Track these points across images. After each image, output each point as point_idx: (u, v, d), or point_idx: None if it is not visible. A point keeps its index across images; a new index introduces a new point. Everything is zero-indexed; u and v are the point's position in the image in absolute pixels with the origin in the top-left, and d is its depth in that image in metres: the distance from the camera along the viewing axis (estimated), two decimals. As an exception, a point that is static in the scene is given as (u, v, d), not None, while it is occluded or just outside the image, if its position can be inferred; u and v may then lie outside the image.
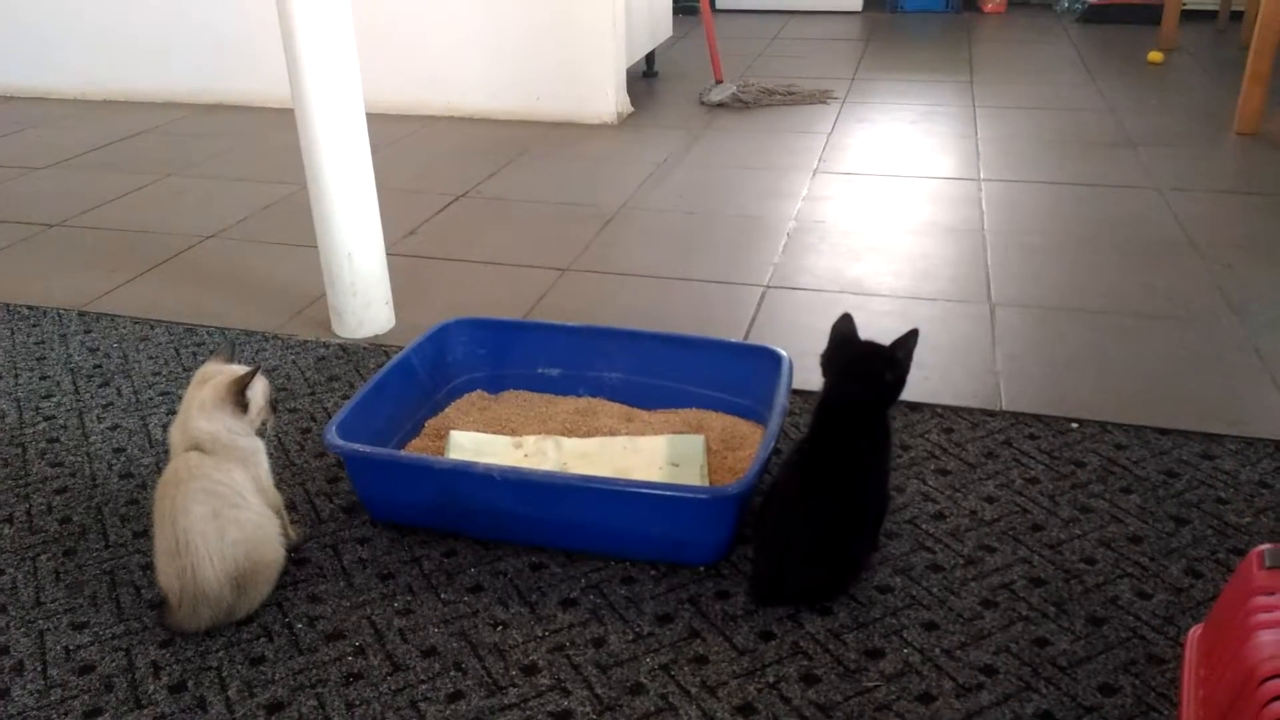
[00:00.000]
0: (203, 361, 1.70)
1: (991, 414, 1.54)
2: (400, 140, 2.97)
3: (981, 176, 2.58)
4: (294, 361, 1.74)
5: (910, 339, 1.18)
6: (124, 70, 3.45)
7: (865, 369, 1.18)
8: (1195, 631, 1.01)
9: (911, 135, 2.94)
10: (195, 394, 1.15)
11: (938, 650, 1.10)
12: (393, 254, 1.88)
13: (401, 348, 1.56)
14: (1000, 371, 1.66)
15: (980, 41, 4.20)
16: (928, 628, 1.13)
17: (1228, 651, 0.85)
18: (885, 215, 2.35)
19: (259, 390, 1.19)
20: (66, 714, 1.04)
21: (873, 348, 1.19)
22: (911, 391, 1.58)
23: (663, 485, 1.26)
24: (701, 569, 1.23)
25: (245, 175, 2.71)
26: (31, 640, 1.14)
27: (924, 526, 1.30)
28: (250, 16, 3.21)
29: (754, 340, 1.77)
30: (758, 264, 2.10)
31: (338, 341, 1.81)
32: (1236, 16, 4.18)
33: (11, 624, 1.16)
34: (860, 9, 4.86)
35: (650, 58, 3.66)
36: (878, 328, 1.80)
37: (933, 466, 1.42)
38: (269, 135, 3.06)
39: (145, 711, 1.04)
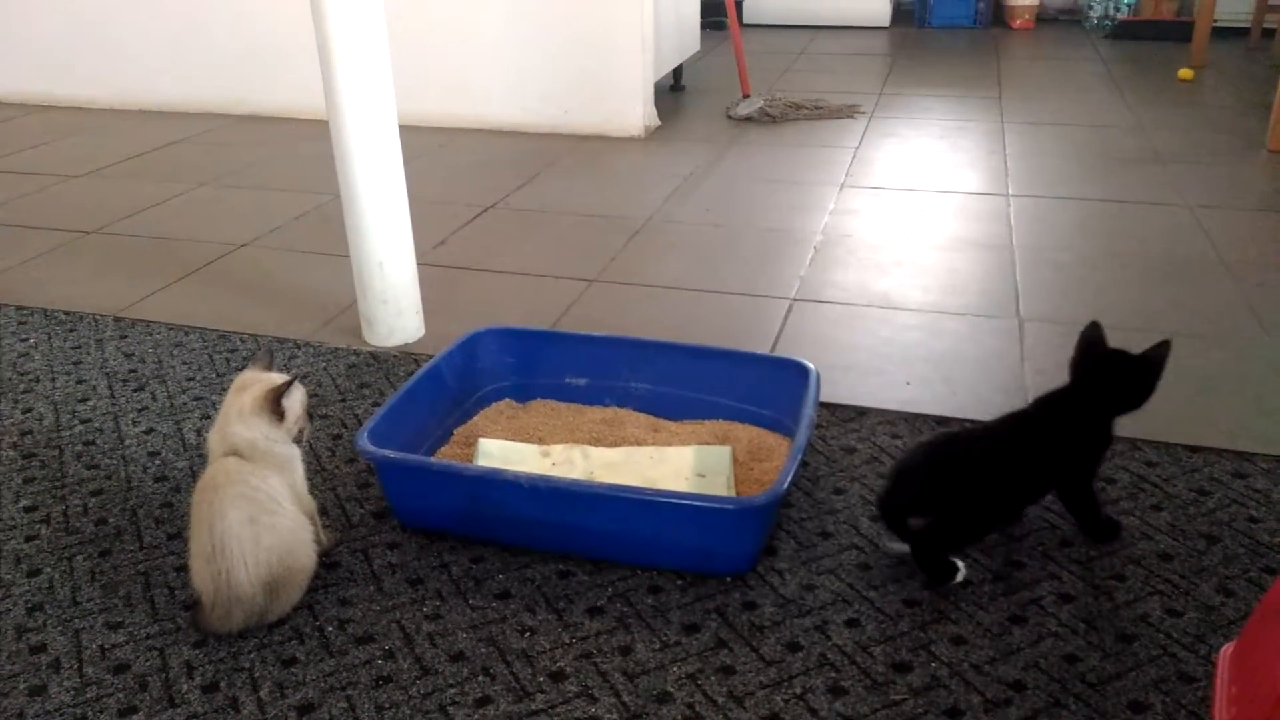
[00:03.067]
0: (237, 367, 1.74)
1: (1020, 429, 1.53)
2: (430, 152, 3.00)
3: (1010, 192, 2.58)
4: (325, 368, 1.76)
5: (1164, 349, 1.18)
6: (159, 81, 3.51)
7: (1135, 378, 1.19)
8: (1227, 649, 1.00)
9: (939, 150, 2.94)
10: (234, 401, 1.17)
11: (966, 665, 1.09)
12: (423, 264, 1.90)
13: (431, 356, 1.58)
14: (1029, 387, 1.65)
15: (1008, 57, 4.19)
16: (956, 642, 1.13)
17: (1260, 670, 0.84)
18: (912, 230, 2.35)
19: (296, 399, 1.21)
20: (102, 711, 1.06)
21: (1142, 358, 1.19)
22: (939, 406, 1.60)
23: (690, 495, 1.27)
24: (728, 579, 1.23)
25: (278, 185, 2.75)
26: (68, 639, 1.16)
27: (951, 541, 1.29)
28: (284, 29, 3.26)
29: (781, 353, 1.77)
30: (784, 277, 2.10)
31: (368, 349, 1.83)
32: (1269, 34, 4.15)
33: (49, 623, 1.18)
34: (888, 24, 4.87)
35: (678, 72, 3.68)
36: (904, 341, 1.81)
37: (960, 481, 1.41)
38: (301, 145, 3.10)
39: (179, 710, 1.06)
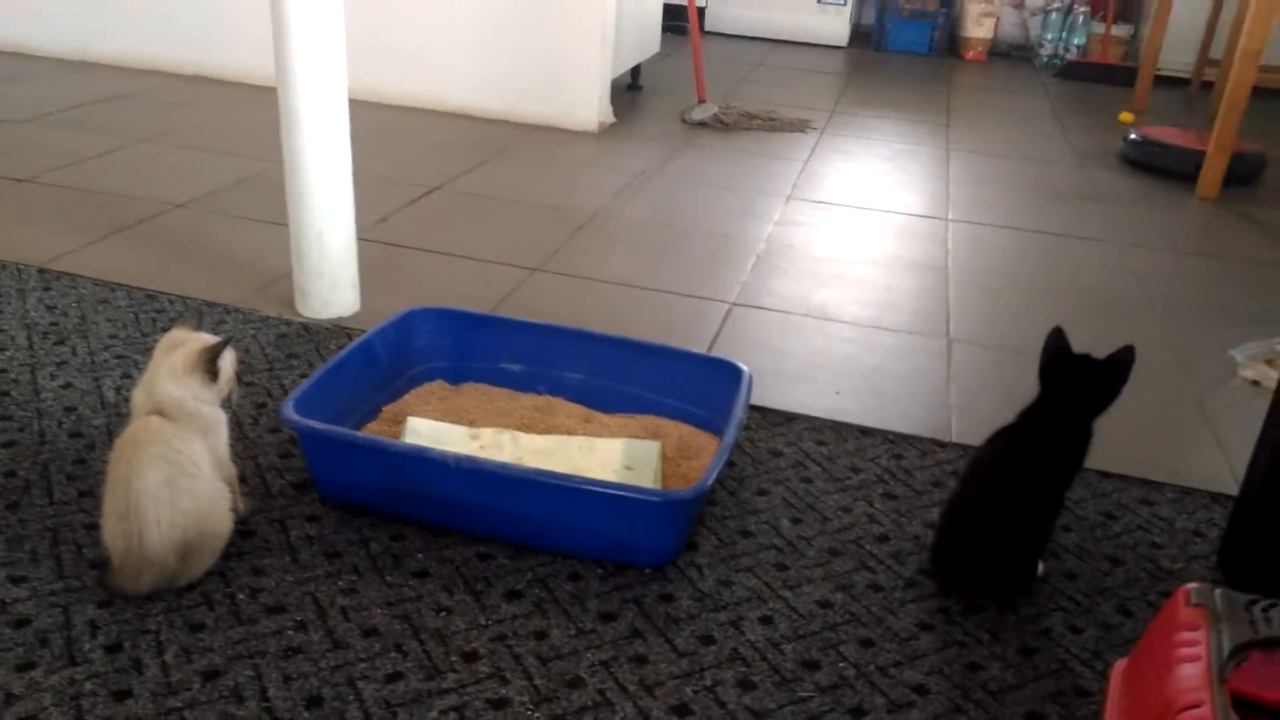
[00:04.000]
0: (163, 328, 1.70)
1: (942, 444, 1.57)
2: (380, 128, 2.97)
3: (950, 216, 2.64)
4: (254, 336, 1.73)
5: (1129, 353, 1.20)
6: (111, 33, 3.41)
7: (1102, 381, 1.20)
8: (1119, 665, 1.04)
9: (885, 171, 3.00)
10: (164, 359, 1.15)
11: (872, 667, 1.12)
12: (363, 239, 1.88)
13: (364, 331, 1.56)
14: (953, 405, 1.70)
15: (959, 86, 4.29)
16: (864, 644, 1.15)
17: (1149, 683, 0.88)
18: (854, 245, 2.39)
19: (228, 361, 1.19)
20: (-3, 666, 1.03)
21: (1109, 361, 1.21)
22: (866, 417, 1.63)
23: (615, 485, 1.28)
24: (648, 571, 1.24)
25: (221, 148, 2.69)
26: (-35, 591, 1.12)
27: (868, 547, 1.32)
28: (239, -9, 3.19)
29: (716, 354, 1.79)
30: (725, 281, 2.12)
31: (300, 320, 1.80)
32: (1207, 86, 4.31)
33: (-55, 573, 1.14)
34: (845, 44, 4.94)
35: (636, 71, 3.69)
36: (837, 352, 1.85)
37: (880, 490, 1.44)
38: (248, 110, 3.03)
39: (79, 669, 1.03)
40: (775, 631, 1.16)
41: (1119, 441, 1.61)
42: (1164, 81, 4.38)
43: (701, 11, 4.85)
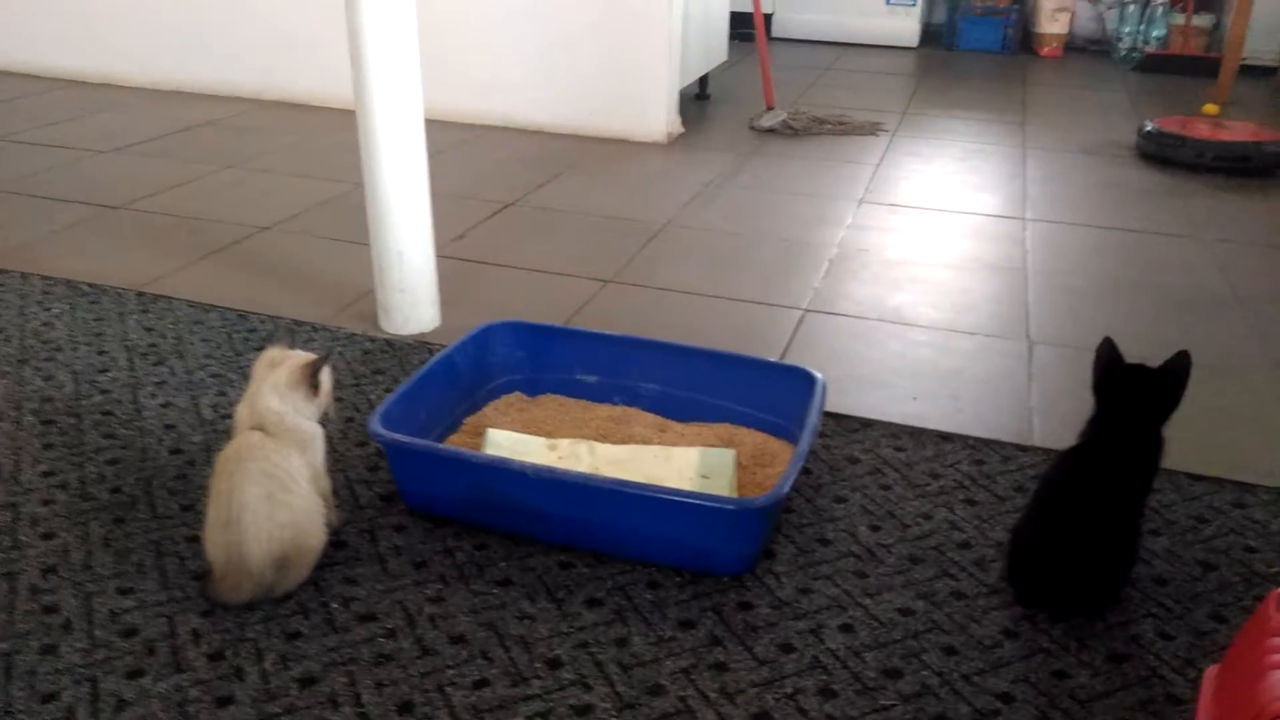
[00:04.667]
0: (254, 347, 1.77)
1: (1024, 448, 1.55)
2: (454, 147, 3.03)
3: (1027, 216, 2.59)
4: (341, 353, 1.79)
5: (1185, 359, 1.18)
6: (189, 62, 3.55)
7: (1159, 390, 1.18)
8: (1211, 671, 1.01)
9: (959, 172, 2.96)
10: (266, 375, 1.20)
11: (956, 675, 1.11)
12: (441, 256, 1.93)
13: (445, 346, 1.60)
14: (1035, 407, 1.67)
15: (1035, 84, 4.21)
16: (947, 652, 1.14)
17: (1240, 690, 0.86)
18: (928, 248, 2.37)
19: (327, 376, 1.24)
20: (110, 673, 1.08)
21: (1164, 370, 1.18)
22: (944, 422, 1.61)
23: (692, 494, 1.29)
24: (726, 579, 1.25)
25: (302, 171, 2.78)
26: (80, 601, 1.18)
27: (949, 554, 1.31)
28: (314, 17, 3.29)
29: (790, 361, 1.79)
30: (798, 287, 2.12)
31: (384, 336, 1.85)
32: (1295, 73, 4.15)
33: (62, 585, 1.21)
34: (916, 45, 4.88)
35: (704, 80, 3.70)
36: (913, 357, 1.83)
37: (961, 496, 1.43)
38: (327, 134, 3.13)
39: (185, 676, 1.08)
40: (856, 639, 1.16)
41: (1209, 443, 1.56)
42: (1250, 71, 4.23)
43: (768, 18, 4.84)
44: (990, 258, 2.32)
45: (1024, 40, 4.91)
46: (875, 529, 1.35)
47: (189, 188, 2.62)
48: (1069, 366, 1.82)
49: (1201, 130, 3.06)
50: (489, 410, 1.60)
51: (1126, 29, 4.72)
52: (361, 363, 1.75)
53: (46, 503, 1.36)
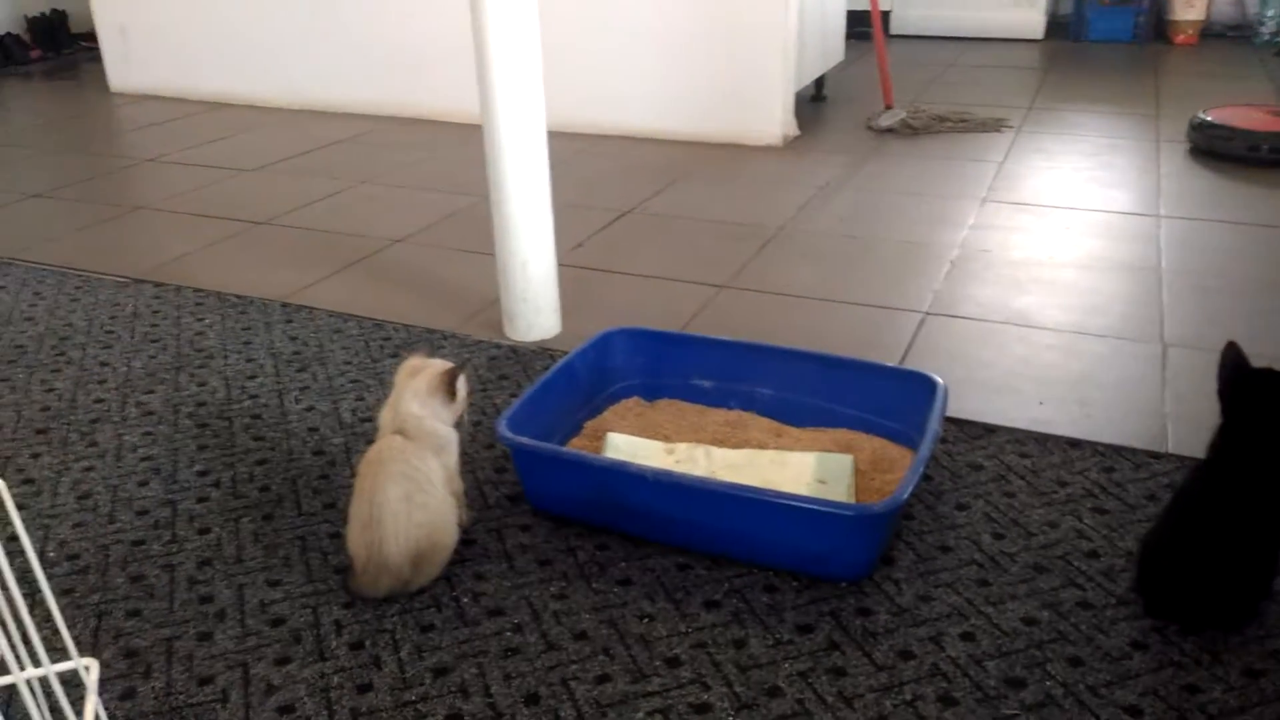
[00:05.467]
0: (390, 355, 1.86)
1: (1157, 456, 1.50)
2: (572, 157, 3.11)
3: (1161, 213, 2.49)
4: (468, 359, 1.86)
5: None
6: (326, 84, 3.74)
7: None
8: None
9: (1088, 168, 2.86)
10: (408, 382, 1.28)
11: (1082, 686, 1.09)
12: (561, 264, 1.99)
13: (566, 352, 1.65)
14: (1169, 413, 1.61)
15: (1169, 74, 4.02)
16: (1073, 663, 1.12)
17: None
18: (1055, 248, 2.30)
19: (463, 384, 1.31)
20: (260, 660, 1.17)
21: None
22: (1072, 428, 1.57)
23: (810, 499, 1.30)
24: (844, 585, 1.26)
25: (430, 185, 2.90)
26: (232, 592, 1.28)
27: (1076, 563, 1.28)
28: (439, 39, 3.43)
29: (911, 366, 1.77)
30: (918, 290, 2.10)
31: (508, 343, 1.92)
32: None
33: (216, 576, 1.31)
34: (1041, 37, 4.73)
35: (820, 81, 3.68)
36: (1040, 361, 1.79)
37: (1090, 505, 1.39)
38: (452, 149, 3.25)
39: (328, 664, 1.16)
40: (977, 648, 1.15)
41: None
42: None
43: (885, 15, 4.77)
44: (1122, 257, 2.24)
45: (1157, 28, 4.69)
46: (999, 537, 1.33)
47: (327, 203, 2.77)
48: (1205, 371, 1.73)
49: (1255, 121, 2.86)
50: (608, 414, 1.64)
51: (1270, 12, 4.46)
52: (487, 369, 1.83)
53: (202, 500, 1.47)
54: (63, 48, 5.07)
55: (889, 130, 3.29)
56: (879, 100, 3.44)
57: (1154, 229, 2.39)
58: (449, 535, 1.26)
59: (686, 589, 1.26)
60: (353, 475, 1.48)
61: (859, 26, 4.15)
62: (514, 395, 1.72)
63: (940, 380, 1.45)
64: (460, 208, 2.68)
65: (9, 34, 4.90)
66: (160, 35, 3.97)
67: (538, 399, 1.50)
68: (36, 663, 0.74)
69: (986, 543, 1.32)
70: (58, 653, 1.08)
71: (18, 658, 0.74)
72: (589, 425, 1.61)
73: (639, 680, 1.12)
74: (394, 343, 1.93)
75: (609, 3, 3.22)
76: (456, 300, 2.12)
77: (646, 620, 1.21)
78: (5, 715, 1.06)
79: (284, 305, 2.10)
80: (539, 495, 1.42)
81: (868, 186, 2.78)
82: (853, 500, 1.38)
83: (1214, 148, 2.88)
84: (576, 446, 1.55)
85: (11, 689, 1.03)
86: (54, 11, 5.06)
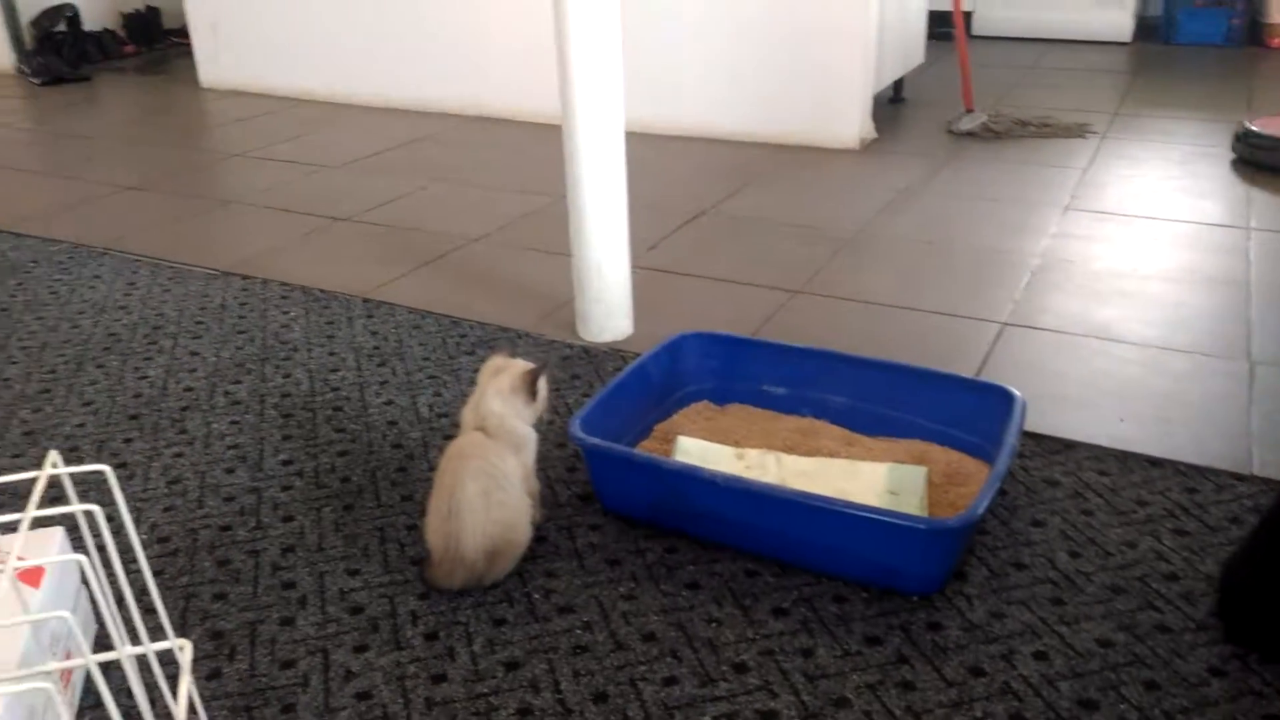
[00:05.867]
0: (466, 352, 1.90)
1: (1241, 478, 1.46)
2: (646, 157, 3.12)
3: (1252, 225, 2.41)
4: (539, 359, 1.89)
5: None
6: (405, 82, 3.81)
7: None
8: None
9: (1176, 176, 2.78)
10: (490, 381, 1.32)
11: (1157, 711, 1.07)
12: (635, 266, 2.00)
13: (638, 354, 1.67)
14: (1255, 434, 1.56)
15: (1264, 79, 3.88)
16: (1149, 687, 1.10)
17: None
18: (1140, 259, 2.25)
19: (543, 385, 1.34)
20: (339, 646, 1.21)
21: None
22: (1154, 446, 1.54)
23: (883, 511, 1.29)
24: (914, 598, 1.25)
25: (507, 185, 2.94)
26: (314, 579, 1.32)
27: (1154, 585, 1.25)
28: (517, 39, 3.47)
29: (987, 378, 1.75)
30: (996, 300, 2.06)
31: (581, 344, 1.94)
32: None
33: (299, 563, 1.35)
34: (1129, 40, 4.60)
35: (899, 84, 3.64)
36: (1121, 376, 1.75)
37: (1170, 526, 1.36)
38: (529, 148, 3.29)
39: (404, 653, 1.19)
40: (1050, 668, 1.14)
41: None
42: None
43: (967, 16, 4.69)
44: (1209, 270, 2.17)
45: (1251, 31, 4.53)
46: (1075, 555, 1.31)
47: (405, 200, 2.83)
48: (1298, 390, 1.69)
49: None
50: (679, 417, 1.65)
51: (1380, 14, 4.27)
52: (560, 368, 1.85)
53: (286, 489, 1.52)
54: (155, 43, 5.24)
55: (969, 134, 3.24)
56: (959, 103, 3.38)
57: (1243, 241, 2.31)
58: (523, 533, 1.28)
59: (755, 595, 1.27)
60: (430, 469, 1.52)
61: (940, 27, 4.09)
62: (586, 395, 1.74)
63: (1019, 394, 1.43)
64: (535, 208, 2.71)
65: (105, 29, 5.08)
66: (248, 32, 4.09)
67: (610, 400, 1.51)
68: (136, 641, 0.77)
69: (1062, 561, 1.30)
70: (153, 633, 1.13)
71: (120, 635, 0.78)
72: (659, 428, 1.62)
73: (706, 684, 1.13)
74: (470, 340, 1.96)
75: (686, 6, 3.23)
76: (530, 300, 2.15)
77: (714, 625, 1.22)
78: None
79: (365, 301, 2.16)
80: (610, 496, 1.44)
81: (946, 191, 2.74)
82: (925, 513, 1.37)
83: (1257, 160, 2.79)
84: (646, 449, 1.56)
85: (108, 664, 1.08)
86: (148, 8, 5.23)
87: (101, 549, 0.81)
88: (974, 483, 1.43)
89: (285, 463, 1.58)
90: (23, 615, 0.69)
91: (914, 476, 1.42)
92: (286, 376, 1.85)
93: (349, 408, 1.73)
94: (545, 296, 2.15)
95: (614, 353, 1.91)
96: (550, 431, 1.64)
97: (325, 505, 1.47)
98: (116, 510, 0.80)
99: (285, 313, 2.11)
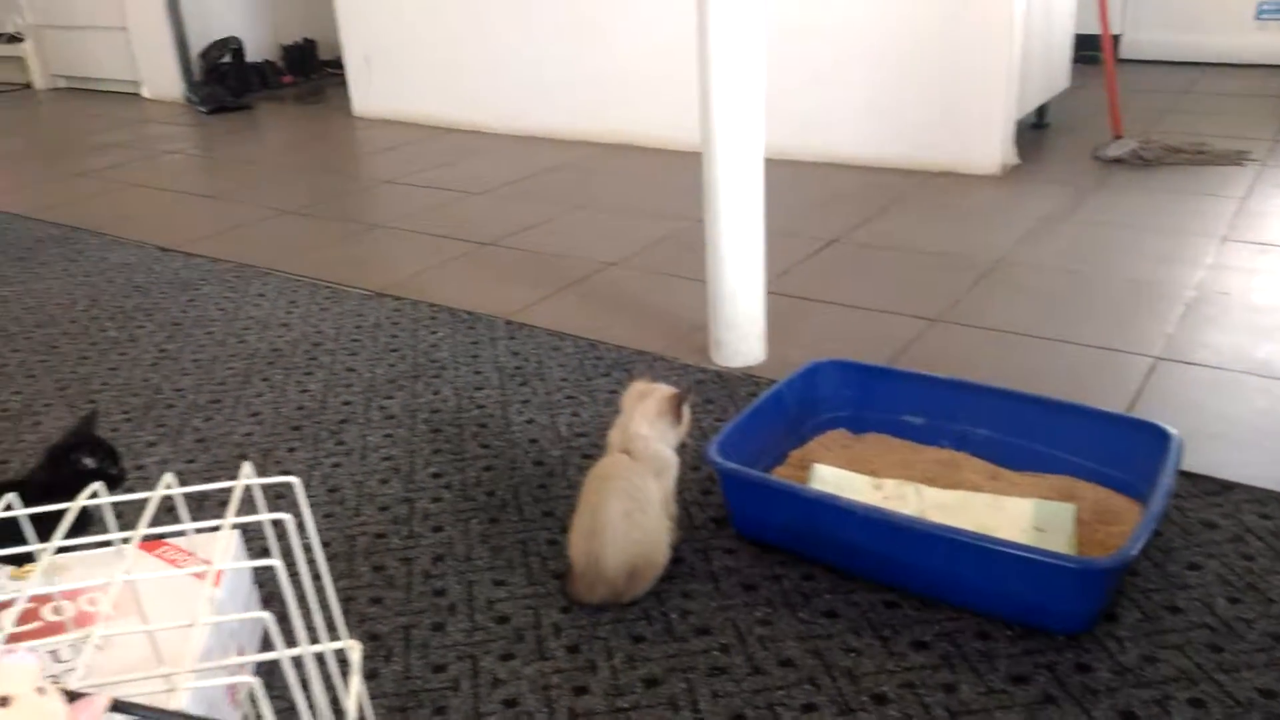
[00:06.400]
0: (602, 374, 1.95)
1: None
2: (780, 183, 3.11)
3: None
4: (675, 383, 1.91)
5: None
6: (544, 110, 3.94)
7: None
8: None
9: (1348, 205, 2.62)
10: (637, 405, 1.36)
11: (1331, 772, 1.01)
12: (767, 292, 2.01)
13: (770, 379, 1.68)
14: None
15: None
16: (1321, 746, 1.04)
17: None
18: (1306, 293, 2.13)
19: (687, 410, 1.37)
20: (486, 654, 1.26)
21: None
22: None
23: (1030, 548, 1.26)
24: (1061, 638, 1.22)
25: (642, 211, 3.00)
26: (463, 588, 1.38)
27: (1325, 638, 1.19)
28: (654, 70, 3.54)
29: (1139, 414, 1.69)
30: (1148, 333, 1.99)
31: (714, 369, 1.97)
32: None
33: (448, 572, 1.41)
34: (1294, 60, 4.36)
35: (1043, 108, 3.55)
36: (1288, 416, 1.66)
37: (1342, 575, 1.29)
38: (659, 174, 3.35)
39: (548, 663, 1.23)
40: (1207, 716, 1.09)
41: None
42: None
43: (1116, 39, 4.53)
44: (1387, 306, 2.04)
45: None
46: (1234, 601, 1.26)
47: (546, 226, 2.92)
48: None
49: None
50: (814, 445, 1.66)
51: None
52: (694, 392, 1.88)
53: (435, 500, 1.59)
54: (311, 73, 5.57)
55: (1117, 161, 3.13)
56: (1106, 129, 3.28)
57: None
58: (662, 554, 1.31)
59: (894, 627, 1.26)
60: (569, 487, 1.57)
61: (1086, 50, 3.97)
62: (719, 420, 1.76)
63: (1175, 432, 1.38)
64: (668, 233, 2.76)
65: (266, 60, 5.43)
66: (399, 64, 4.30)
67: (746, 426, 1.53)
68: (315, 639, 0.83)
69: (1220, 606, 1.25)
70: (322, 631, 1.20)
71: (300, 634, 0.84)
72: (794, 455, 1.63)
73: (845, 713, 1.13)
74: (605, 363, 2.01)
75: (820, 25, 3.23)
76: (664, 324, 2.19)
77: (853, 654, 1.22)
78: (267, 684, 1.19)
79: (507, 322, 2.24)
80: (745, 521, 1.45)
81: (1093, 219, 2.66)
82: (1074, 551, 1.33)
83: None
84: (782, 476, 1.57)
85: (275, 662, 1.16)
86: (305, 40, 5.56)
87: (287, 554, 0.88)
88: (1124, 521, 1.38)
89: (435, 475, 1.65)
90: (209, 612, 0.75)
91: (1062, 513, 1.39)
92: (435, 393, 1.93)
93: (493, 424, 1.80)
94: (679, 321, 2.19)
95: (747, 378, 1.92)
96: (685, 454, 1.67)
97: (472, 517, 1.53)
98: (299, 516, 0.87)
99: (433, 332, 2.21)
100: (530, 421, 1.81)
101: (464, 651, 1.26)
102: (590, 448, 1.70)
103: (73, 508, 0.75)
